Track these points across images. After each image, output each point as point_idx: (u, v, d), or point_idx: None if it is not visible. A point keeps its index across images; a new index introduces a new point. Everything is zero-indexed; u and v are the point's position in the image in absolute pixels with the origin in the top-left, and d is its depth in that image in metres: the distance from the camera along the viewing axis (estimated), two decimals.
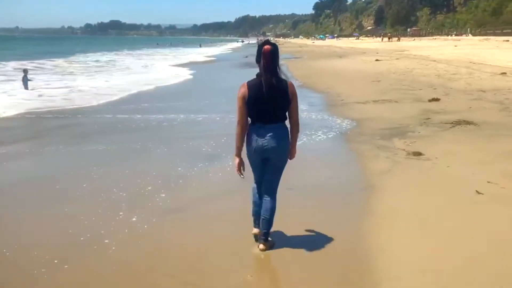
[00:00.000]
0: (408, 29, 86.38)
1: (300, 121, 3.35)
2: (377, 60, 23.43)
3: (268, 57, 3.08)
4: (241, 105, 3.14)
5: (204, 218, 4.19)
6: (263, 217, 3.35)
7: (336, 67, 21.59)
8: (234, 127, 3.28)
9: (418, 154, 5.81)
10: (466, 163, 5.46)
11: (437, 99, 10.35)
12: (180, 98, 13.25)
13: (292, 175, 4.83)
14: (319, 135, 7.36)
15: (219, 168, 5.68)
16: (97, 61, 35.28)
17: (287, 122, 3.30)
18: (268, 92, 3.08)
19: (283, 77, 3.21)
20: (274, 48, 3.11)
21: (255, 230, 3.51)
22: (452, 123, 7.82)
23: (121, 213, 4.29)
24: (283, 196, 4.03)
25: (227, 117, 8.92)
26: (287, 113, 3.24)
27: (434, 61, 20.91)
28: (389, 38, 65.52)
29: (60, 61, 32.99)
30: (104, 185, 5.13)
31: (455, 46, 34.34)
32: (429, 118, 8.27)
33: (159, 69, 26.26)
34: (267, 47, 3.08)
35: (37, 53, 43.11)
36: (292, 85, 3.21)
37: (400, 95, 11.37)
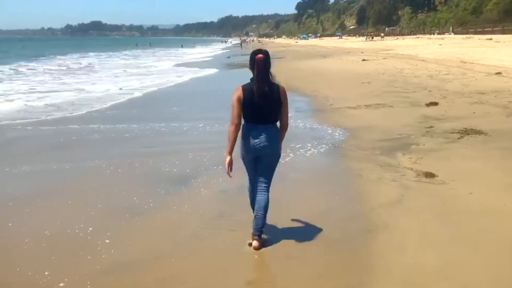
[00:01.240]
0: (386, 28, 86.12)
1: (287, 131, 3.50)
2: (364, 60, 22.52)
3: (261, 65, 3.28)
4: (236, 107, 3.31)
5: (165, 279, 3.04)
6: (257, 213, 3.39)
7: (321, 67, 20.56)
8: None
9: (430, 175, 4.76)
10: (490, 187, 4.44)
11: (435, 103, 9.39)
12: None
13: (278, 207, 3.80)
14: (309, 149, 6.27)
15: (186, 197, 4.54)
16: (80, 63, 33.44)
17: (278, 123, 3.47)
18: (260, 98, 3.27)
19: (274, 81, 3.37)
20: (266, 56, 3.33)
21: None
22: (459, 132, 6.83)
23: (47, 273, 3.15)
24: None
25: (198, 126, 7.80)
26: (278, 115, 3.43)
27: (423, 60, 20.06)
28: (371, 37, 65.02)
29: (34, 65, 31.26)
30: (33, 226, 3.96)
31: (440, 44, 33.84)
32: (432, 127, 7.26)
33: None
34: (259, 55, 3.29)
35: (18, 56, 40.93)
36: (283, 90, 3.39)
37: (394, 99, 10.37)
